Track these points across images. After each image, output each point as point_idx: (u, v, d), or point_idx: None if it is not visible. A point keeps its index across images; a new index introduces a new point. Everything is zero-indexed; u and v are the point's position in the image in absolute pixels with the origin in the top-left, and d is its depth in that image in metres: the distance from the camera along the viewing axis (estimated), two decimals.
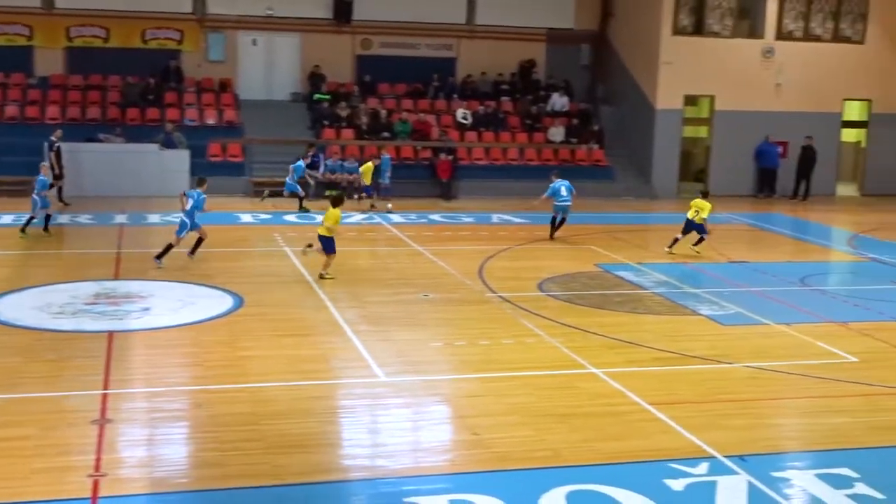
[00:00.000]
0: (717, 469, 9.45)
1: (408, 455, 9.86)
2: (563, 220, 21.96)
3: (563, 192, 21.80)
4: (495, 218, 24.94)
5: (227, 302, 15.43)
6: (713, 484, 9.12)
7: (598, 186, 29.33)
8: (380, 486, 9.03)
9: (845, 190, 32.54)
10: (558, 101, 32.12)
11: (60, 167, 24.88)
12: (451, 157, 28.77)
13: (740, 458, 9.69)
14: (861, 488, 9.11)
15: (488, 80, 32.59)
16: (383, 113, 30.29)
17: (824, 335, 14.60)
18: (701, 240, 20.41)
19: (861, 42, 31.58)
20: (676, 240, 20.43)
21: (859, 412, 11.37)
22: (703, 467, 9.47)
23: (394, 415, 11.01)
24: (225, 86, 30.73)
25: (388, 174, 27.32)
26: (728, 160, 30.87)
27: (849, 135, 32.82)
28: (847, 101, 31.99)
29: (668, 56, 30.06)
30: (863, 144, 32.77)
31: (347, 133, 29.68)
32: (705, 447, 9.94)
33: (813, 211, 28.55)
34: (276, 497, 8.73)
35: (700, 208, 20.26)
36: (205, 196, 18.60)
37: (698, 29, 30.56)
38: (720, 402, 11.55)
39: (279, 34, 31.34)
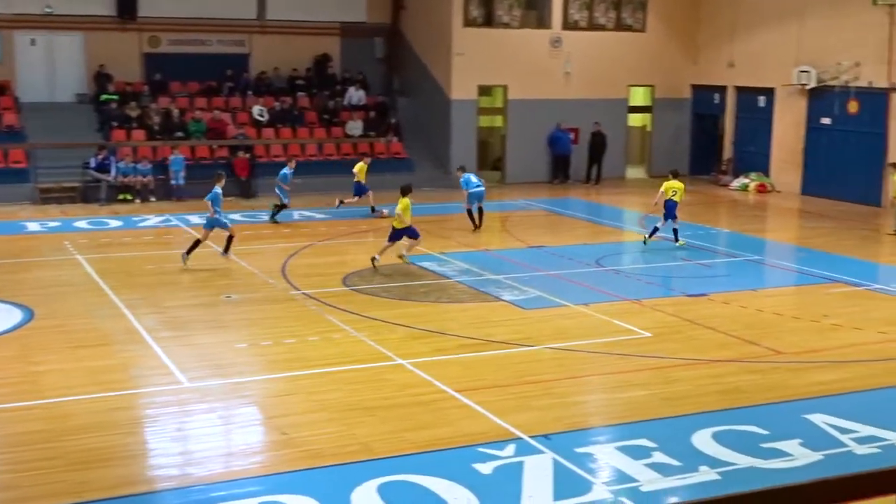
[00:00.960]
0: (524, 450, 9.69)
1: (217, 460, 9.68)
2: (480, 209, 22.39)
3: (474, 179, 22.45)
4: (297, 215, 24.71)
5: (15, 316, 14.68)
6: (520, 464, 9.36)
7: (398, 178, 29.34)
8: (190, 495, 8.85)
9: (634, 172, 33.90)
10: (354, 94, 32.12)
11: None
12: (248, 156, 28.33)
13: (545, 438, 9.98)
14: (658, 457, 9.54)
15: (283, 76, 32.24)
16: (176, 112, 29.48)
17: (620, 313, 15.20)
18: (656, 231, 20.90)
19: (642, 30, 32.96)
20: (656, 229, 20.84)
21: (654, 385, 11.89)
22: (510, 449, 9.70)
23: (200, 420, 10.78)
24: (3, 88, 29.18)
25: (181, 174, 26.71)
26: (523, 148, 31.64)
27: (635, 119, 34.21)
28: (632, 88, 33.34)
29: (460, 47, 30.52)
30: (648, 128, 34.24)
31: (139, 134, 28.73)
32: (512, 429, 10.19)
33: (605, 194, 29.63)
34: None
35: (676, 188, 20.57)
36: (219, 191, 18.88)
37: (488, 20, 31.15)
38: (525, 384, 11.85)
39: (60, 33, 29.99)
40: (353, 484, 8.85)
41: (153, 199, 26.57)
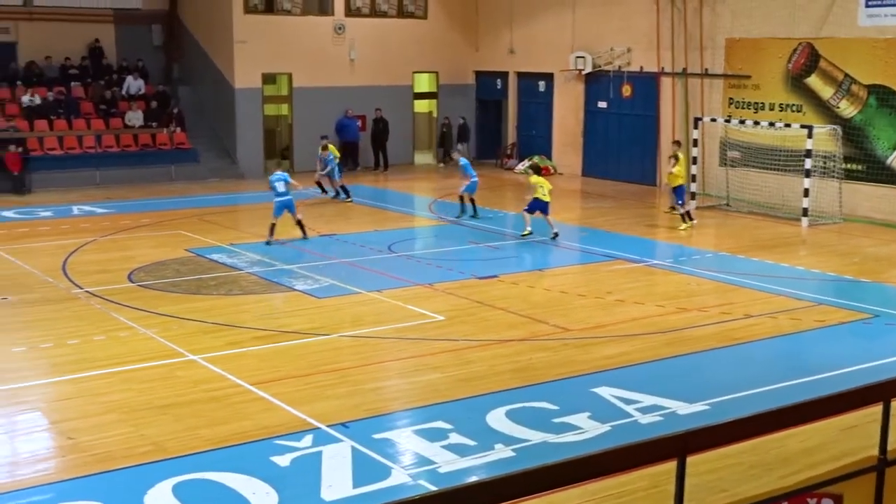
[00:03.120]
0: (322, 439, 9.64)
1: (1, 470, 9.15)
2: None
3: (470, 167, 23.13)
4: (76, 210, 23.68)
5: None
6: (318, 454, 9.31)
7: (182, 169, 28.82)
8: None
9: (423, 158, 34.28)
10: (133, 83, 31.01)
11: None
12: (21, 149, 26.88)
13: (343, 426, 9.96)
14: (455, 438, 9.70)
15: (55, 66, 30.76)
16: None
17: (413, 298, 15.34)
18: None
19: (424, 17, 33.32)
20: (688, 213, 21.43)
21: (448, 367, 12.07)
22: (307, 439, 9.63)
23: None
24: None
25: None
26: (311, 136, 31.33)
27: (421, 105, 34.58)
28: (416, 74, 33.66)
29: (242, 35, 29.96)
30: (434, 114, 34.66)
31: None
32: (309, 419, 10.12)
33: (393, 180, 29.82)
34: None
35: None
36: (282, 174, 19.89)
37: (270, 7, 30.71)
38: (321, 373, 11.79)
39: None
40: (147, 485, 8.57)
41: None
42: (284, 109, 32.15)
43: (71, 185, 26.68)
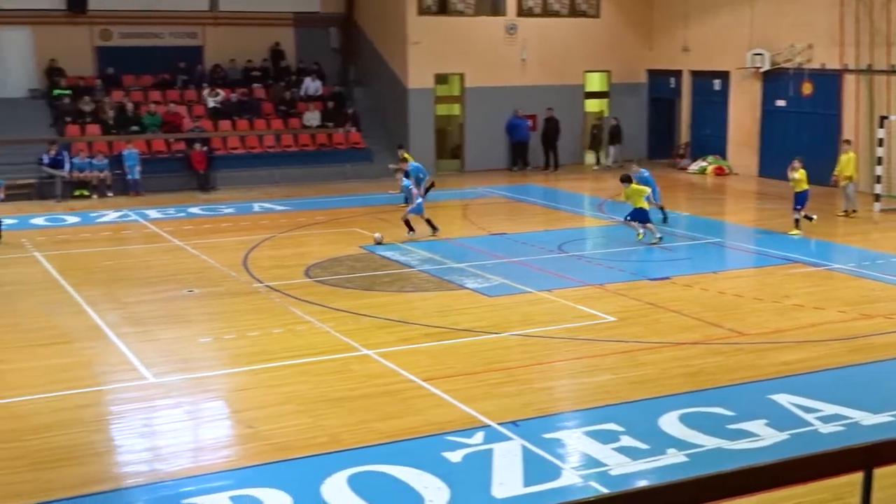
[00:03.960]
0: (493, 437, 9.71)
1: (185, 455, 9.60)
2: None
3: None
4: (256, 207, 24.58)
5: None
6: (489, 452, 9.37)
7: (357, 169, 29.48)
8: (158, 490, 8.77)
9: (594, 158, 34.04)
10: (311, 85, 31.95)
11: None
12: (205, 148, 28.10)
13: (514, 424, 10.00)
14: (626, 440, 9.60)
15: (238, 68, 32.00)
16: (130, 106, 29.16)
17: (583, 298, 15.26)
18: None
19: (597, 16, 33.07)
20: (807, 217, 20.71)
21: (620, 368, 11.96)
22: (478, 437, 9.71)
23: (166, 416, 10.69)
24: None
25: (136, 169, 26.51)
26: (481, 136, 31.66)
27: (592, 105, 34.33)
28: (588, 73, 33.44)
29: (415, 36, 30.44)
30: (606, 114, 34.35)
31: (93, 129, 28.39)
32: (480, 417, 10.20)
33: (563, 180, 29.71)
34: None
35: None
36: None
37: (443, 8, 31.09)
38: (492, 371, 11.86)
39: (7, 28, 29.52)
40: (323, 475, 8.82)
41: (110, 194, 26.30)
42: (456, 109, 32.47)
43: (252, 183, 27.69)
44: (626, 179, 20.16)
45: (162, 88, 30.72)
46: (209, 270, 17.48)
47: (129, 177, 26.57)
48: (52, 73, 29.45)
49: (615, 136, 32.70)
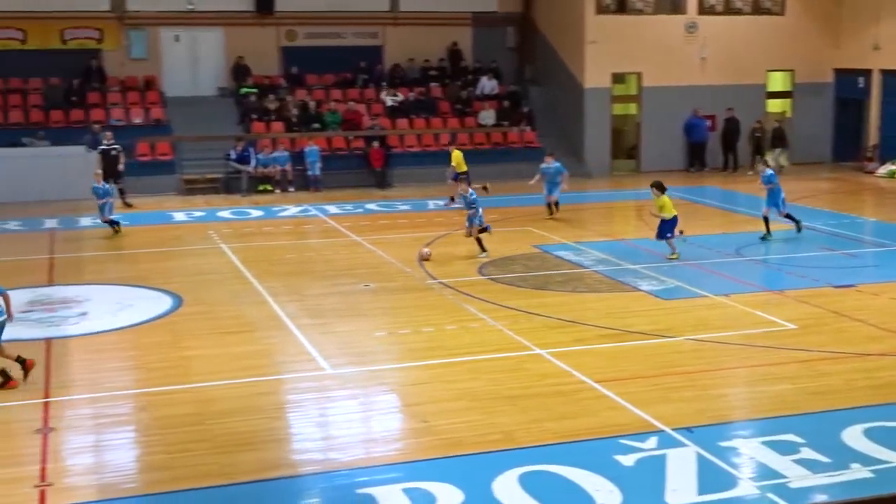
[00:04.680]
0: (666, 442, 9.54)
1: (358, 446, 9.81)
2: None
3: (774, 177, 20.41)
4: (431, 204, 24.91)
5: (165, 302, 15.21)
6: (663, 457, 9.22)
7: (531, 168, 29.37)
8: (333, 479, 8.99)
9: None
10: (487, 84, 32.15)
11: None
12: (383, 146, 28.67)
13: (688, 430, 9.80)
14: (807, 453, 9.27)
15: (416, 67, 32.51)
16: (312, 104, 30.05)
17: (762, 304, 14.82)
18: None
19: (781, 13, 32.04)
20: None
21: (800, 378, 11.55)
22: (652, 441, 9.57)
23: (342, 407, 10.96)
24: (150, 83, 30.24)
25: (318, 165, 27.29)
26: (658, 136, 31.16)
27: (774, 105, 33.29)
28: (770, 73, 32.45)
29: (593, 35, 30.22)
30: (788, 114, 33.27)
31: (277, 126, 29.39)
32: (653, 421, 10.04)
33: (743, 182, 28.90)
34: (228, 496, 8.64)
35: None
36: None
37: (622, 7, 30.76)
38: (666, 375, 11.66)
39: (202, 29, 30.89)
40: (495, 472, 8.86)
41: (292, 189, 27.17)
42: (633, 109, 32.06)
43: (427, 181, 28.05)
44: (659, 187, 18.24)
45: (343, 87, 31.52)
46: (385, 266, 17.81)
47: (310, 173, 27.37)
48: (239, 71, 30.62)
49: (780, 138, 31.46)
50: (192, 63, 30.99)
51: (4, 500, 8.51)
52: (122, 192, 24.54)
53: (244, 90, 30.19)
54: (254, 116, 29.49)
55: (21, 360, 11.50)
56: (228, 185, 27.02)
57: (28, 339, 13.28)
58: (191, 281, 16.68)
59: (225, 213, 23.72)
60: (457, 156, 24.77)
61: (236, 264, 17.94)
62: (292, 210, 24.20)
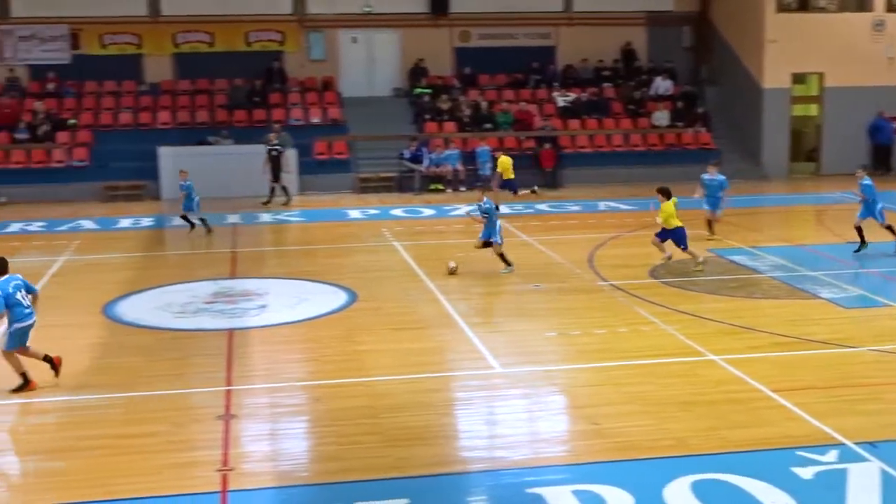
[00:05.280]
0: (848, 456, 9.17)
1: (527, 446, 9.81)
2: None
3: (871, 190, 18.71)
4: (602, 205, 24.72)
5: (340, 297, 15.60)
6: (843, 472, 8.85)
7: (706, 170, 28.82)
8: (501, 478, 9.00)
9: None
10: (661, 84, 31.67)
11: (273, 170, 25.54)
12: (554, 146, 28.62)
13: (871, 445, 9.39)
14: None
15: (589, 67, 32.31)
16: (484, 104, 30.27)
17: None
18: None
19: None
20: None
21: None
22: (832, 455, 9.21)
23: (511, 406, 10.99)
24: (328, 84, 31.10)
25: (488, 165, 27.45)
26: (840, 138, 30.03)
27: None
28: None
29: (773, 34, 29.38)
30: None
31: (449, 126, 29.75)
32: (833, 434, 9.66)
33: None
34: (399, 489, 8.76)
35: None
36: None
37: (804, 5, 29.82)
38: (846, 387, 11.21)
39: (378, 30, 31.56)
40: (667, 478, 8.70)
41: (462, 188, 27.42)
42: (813, 110, 31.03)
43: (598, 182, 27.86)
44: (665, 193, 17.04)
45: (515, 87, 31.63)
46: (555, 266, 17.77)
47: (481, 172, 27.55)
48: (415, 72, 31.11)
49: None
50: (368, 64, 31.72)
51: (189, 482, 8.88)
52: (285, 190, 25.35)
53: (418, 90, 30.67)
54: (427, 116, 29.93)
55: (49, 359, 11.57)
56: (401, 184, 27.50)
57: (211, 330, 13.87)
58: (364, 277, 17.04)
59: (398, 212, 24.14)
60: (504, 162, 24.36)
61: (408, 262, 18.25)
62: (463, 209, 24.38)
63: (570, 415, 10.71)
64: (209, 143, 27.94)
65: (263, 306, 15.23)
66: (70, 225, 22.96)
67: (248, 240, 21.00)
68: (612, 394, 11.06)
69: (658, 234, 17.11)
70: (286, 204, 25.24)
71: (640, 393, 11.00)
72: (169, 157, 26.84)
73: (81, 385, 11.60)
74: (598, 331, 13.54)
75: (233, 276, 17.52)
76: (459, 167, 27.75)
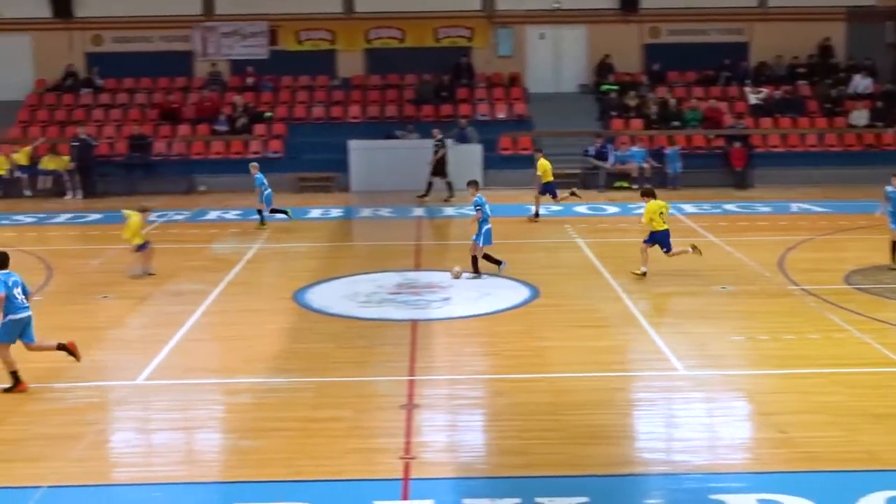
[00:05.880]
0: None
1: (709, 451, 9.64)
2: None
3: None
4: (794, 207, 23.92)
5: (522, 293, 15.67)
6: None
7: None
8: (682, 482, 8.88)
9: None
10: (860, 82, 30.36)
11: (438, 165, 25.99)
12: (745, 145, 27.87)
13: None
14: None
15: (783, 65, 31.29)
16: (672, 102, 29.75)
17: None
18: None
19: None
20: None
21: None
22: None
23: (694, 409, 10.82)
24: (514, 80, 31.23)
25: (678, 164, 27.01)
26: None
27: None
28: None
29: None
30: None
31: (636, 123, 29.39)
32: None
33: None
34: (579, 487, 8.75)
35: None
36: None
37: None
38: None
39: (566, 27, 31.46)
40: (858, 493, 8.38)
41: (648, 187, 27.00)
42: None
43: (790, 183, 26.97)
44: (650, 194, 16.67)
45: (705, 85, 30.98)
46: (743, 268, 17.33)
47: (669, 170, 27.13)
48: (602, 69, 30.88)
49: None
50: (555, 60, 31.69)
51: (372, 468, 9.12)
52: (449, 186, 25.52)
53: (605, 87, 30.43)
54: (613, 113, 29.65)
55: (63, 347, 11.62)
56: (586, 181, 27.34)
57: (396, 320, 14.18)
58: (547, 273, 17.05)
59: (581, 209, 24.02)
60: (543, 164, 23.13)
61: (591, 259, 18.16)
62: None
63: (755, 421, 10.44)
64: (396, 137, 28.50)
65: (447, 299, 15.46)
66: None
67: (432, 232, 21.36)
68: (799, 402, 10.72)
69: (645, 241, 16.60)
70: (447, 200, 25.37)
71: (829, 402, 10.63)
72: (358, 151, 27.55)
73: (276, 368, 12.10)
74: (787, 336, 13.14)
75: (417, 268, 17.85)
76: (645, 165, 27.37)
